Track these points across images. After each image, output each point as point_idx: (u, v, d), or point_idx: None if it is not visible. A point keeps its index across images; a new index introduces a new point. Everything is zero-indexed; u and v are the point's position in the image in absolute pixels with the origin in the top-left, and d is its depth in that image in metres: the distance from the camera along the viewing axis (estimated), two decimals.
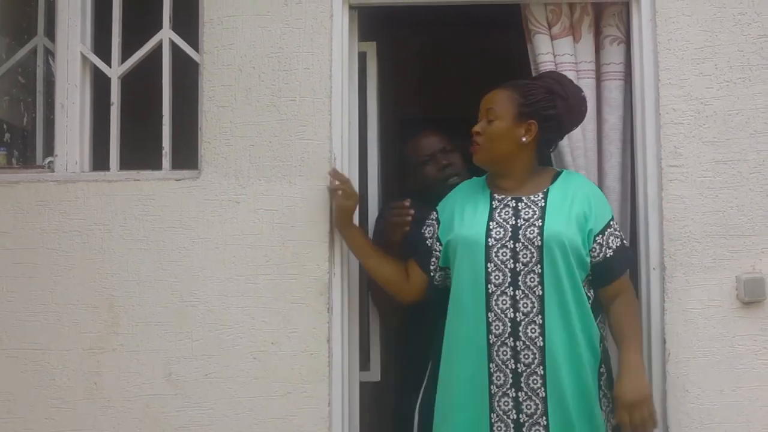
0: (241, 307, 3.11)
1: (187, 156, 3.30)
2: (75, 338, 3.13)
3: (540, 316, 2.77)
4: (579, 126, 3.11)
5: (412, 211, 3.14)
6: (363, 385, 3.34)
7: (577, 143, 3.23)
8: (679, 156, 3.08)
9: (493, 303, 2.81)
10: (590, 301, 2.83)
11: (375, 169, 3.44)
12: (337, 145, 3.15)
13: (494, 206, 2.92)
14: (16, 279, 3.15)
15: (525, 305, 2.79)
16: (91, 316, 3.13)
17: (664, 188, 3.08)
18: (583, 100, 3.00)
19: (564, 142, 3.18)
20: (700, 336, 3.05)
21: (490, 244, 2.84)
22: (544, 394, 2.75)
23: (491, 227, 2.87)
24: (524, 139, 2.89)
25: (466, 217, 2.95)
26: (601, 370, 2.82)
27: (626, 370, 2.77)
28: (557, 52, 3.28)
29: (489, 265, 2.83)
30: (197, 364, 3.11)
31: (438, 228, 3.03)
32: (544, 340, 2.76)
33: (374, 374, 3.39)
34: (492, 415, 2.80)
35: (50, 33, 3.36)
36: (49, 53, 3.42)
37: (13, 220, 3.16)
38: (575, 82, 3.21)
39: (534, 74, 3.32)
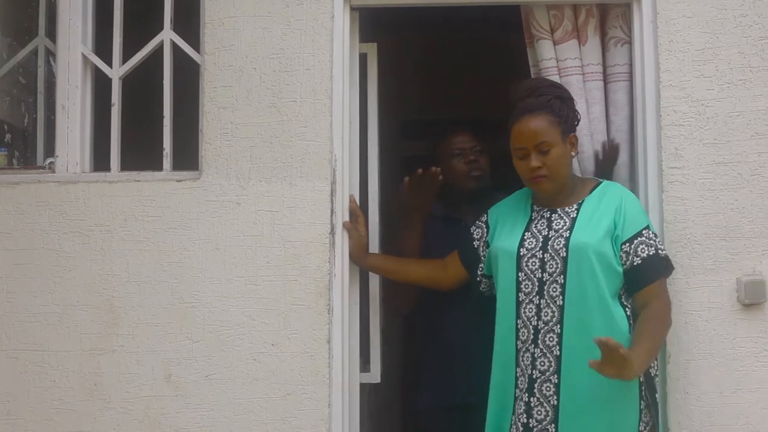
0: (242, 309, 3.11)
1: (187, 157, 3.30)
2: (75, 339, 3.13)
3: (558, 326, 2.81)
4: (587, 130, 3.19)
5: (441, 177, 3.33)
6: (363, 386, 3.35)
7: (582, 147, 3.20)
8: (679, 158, 3.08)
9: (522, 311, 2.89)
10: (627, 312, 2.83)
11: (375, 171, 3.43)
12: (338, 147, 3.15)
13: (533, 218, 3.00)
14: (16, 280, 3.15)
15: (546, 314, 2.84)
16: (92, 317, 3.13)
17: (665, 190, 3.08)
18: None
19: None
20: (701, 338, 3.05)
21: (521, 254, 2.92)
22: (556, 402, 2.79)
23: (525, 237, 2.94)
24: (573, 153, 2.96)
25: (506, 229, 3.04)
26: (641, 379, 2.78)
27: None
28: (559, 57, 3.27)
29: (520, 274, 2.91)
30: (197, 365, 3.11)
31: (487, 232, 3.12)
32: (560, 349, 2.80)
33: (374, 376, 3.39)
34: (512, 417, 2.88)
35: (51, 33, 3.36)
36: (50, 54, 3.42)
37: (14, 220, 3.16)
38: (582, 85, 3.28)
39: None
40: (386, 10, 3.34)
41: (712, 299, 3.06)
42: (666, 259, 2.90)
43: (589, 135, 3.23)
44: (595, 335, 2.61)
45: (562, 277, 2.82)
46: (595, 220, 2.85)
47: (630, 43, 3.26)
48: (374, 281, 3.40)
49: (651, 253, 2.82)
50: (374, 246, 3.39)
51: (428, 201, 3.43)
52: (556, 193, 2.97)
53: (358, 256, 3.24)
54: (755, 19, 3.11)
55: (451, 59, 5.64)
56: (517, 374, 2.89)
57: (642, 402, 2.79)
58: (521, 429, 2.83)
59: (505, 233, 3.03)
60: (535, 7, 3.30)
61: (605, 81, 3.30)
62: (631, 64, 3.26)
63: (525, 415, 2.83)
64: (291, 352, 3.09)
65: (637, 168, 3.18)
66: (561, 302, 2.81)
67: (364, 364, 3.35)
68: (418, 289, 3.47)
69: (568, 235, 2.85)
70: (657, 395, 2.84)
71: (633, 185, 3.22)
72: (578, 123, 3.01)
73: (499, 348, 2.97)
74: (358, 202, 3.25)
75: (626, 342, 2.72)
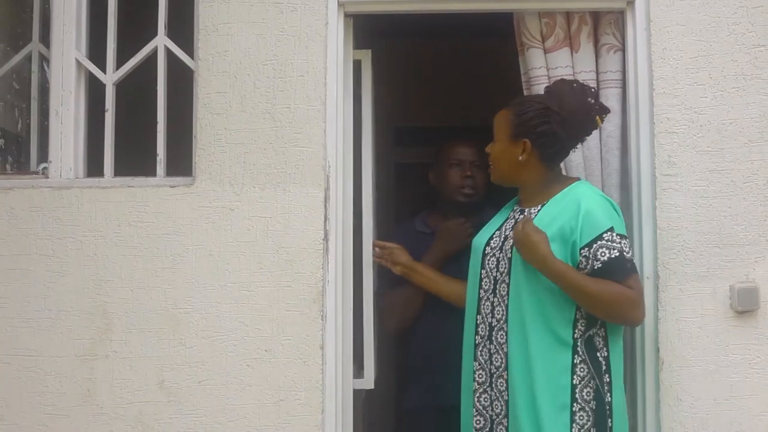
0: (235, 314, 3.11)
1: (181, 163, 3.30)
2: (68, 345, 3.13)
3: (506, 324, 2.83)
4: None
5: (471, 229, 3.43)
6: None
7: (573, 155, 3.18)
8: (673, 165, 3.09)
9: (481, 306, 2.95)
10: (576, 315, 2.76)
11: (369, 177, 3.43)
12: (332, 153, 3.16)
13: (509, 217, 3.02)
14: (9, 285, 3.15)
15: (497, 312, 2.88)
16: (85, 322, 3.13)
17: (658, 197, 3.08)
18: (581, 111, 2.89)
19: None
20: (694, 345, 3.05)
21: (486, 252, 2.98)
22: (507, 397, 2.82)
23: (494, 236, 2.99)
24: (520, 158, 2.92)
25: (486, 227, 3.09)
26: (574, 381, 2.74)
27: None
28: (550, 66, 3.27)
29: (482, 271, 2.97)
30: (190, 371, 3.10)
31: None
32: (508, 347, 2.82)
33: (368, 382, 3.39)
34: (473, 410, 2.93)
35: (45, 39, 3.36)
36: (44, 59, 3.42)
37: (7, 226, 3.16)
38: None
39: (524, 87, 3.35)
40: (381, 17, 3.34)
41: (706, 306, 3.06)
42: (631, 261, 2.79)
43: (581, 143, 3.21)
44: (528, 333, 2.75)
45: (508, 277, 2.84)
46: (547, 223, 2.81)
47: (623, 50, 3.27)
48: (368, 287, 3.40)
49: (613, 256, 2.73)
50: (368, 251, 3.41)
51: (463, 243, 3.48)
52: (512, 186, 3.05)
53: (405, 260, 3.43)
54: (748, 27, 3.12)
55: (446, 66, 5.65)
56: (475, 368, 2.92)
57: (574, 405, 2.73)
58: (487, 421, 2.89)
59: (483, 231, 3.09)
60: (527, 15, 3.30)
61: (597, 88, 3.27)
62: (623, 71, 3.27)
63: (490, 408, 2.89)
64: (284, 358, 3.09)
65: (630, 175, 3.18)
66: (507, 301, 2.83)
67: (358, 371, 3.35)
68: (414, 309, 3.52)
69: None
70: (596, 400, 2.75)
71: (624, 192, 3.22)
72: (555, 139, 2.89)
73: (464, 341, 3.03)
74: (351, 208, 3.26)
75: (553, 334, 2.76)
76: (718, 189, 3.08)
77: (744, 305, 3.04)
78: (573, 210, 2.79)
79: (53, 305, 3.14)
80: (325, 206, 3.13)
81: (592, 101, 2.92)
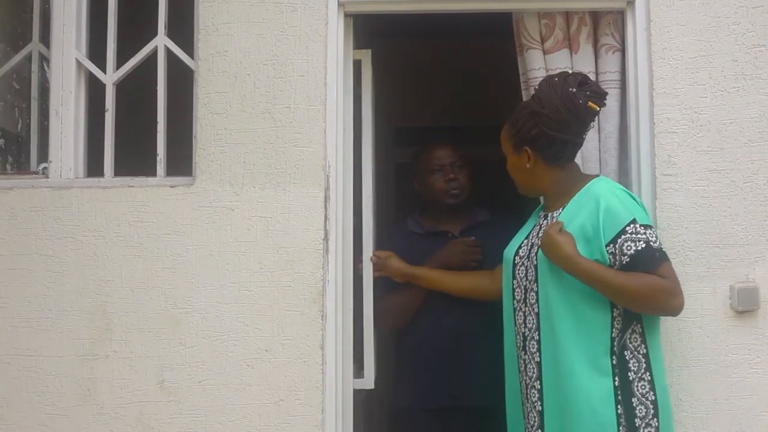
0: (235, 314, 3.11)
1: (181, 163, 3.30)
2: (68, 344, 3.13)
3: (537, 333, 2.80)
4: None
5: (480, 252, 3.55)
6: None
7: None
8: (673, 165, 3.09)
9: (516, 317, 2.92)
10: (613, 312, 2.72)
11: (369, 177, 3.43)
12: (332, 153, 3.15)
13: (536, 224, 2.99)
14: (9, 285, 3.15)
15: (529, 321, 2.84)
16: (85, 322, 3.13)
17: (658, 197, 3.08)
18: (565, 104, 2.80)
19: None
20: (694, 345, 3.05)
21: (515, 262, 2.95)
22: (540, 407, 2.78)
23: (522, 245, 2.96)
24: (528, 165, 2.91)
25: (515, 236, 3.07)
26: (616, 383, 2.69)
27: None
28: (549, 67, 3.26)
29: (514, 282, 2.95)
30: (191, 371, 3.10)
31: None
32: (540, 356, 2.78)
33: (368, 382, 3.39)
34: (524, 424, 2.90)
35: (45, 39, 3.35)
36: (44, 59, 3.42)
37: (7, 226, 3.16)
38: None
39: (523, 88, 3.36)
40: (381, 17, 3.33)
41: (706, 306, 3.06)
42: (660, 250, 2.71)
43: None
44: (564, 342, 2.70)
45: (535, 284, 2.81)
46: (568, 224, 2.77)
47: (621, 50, 3.27)
48: (368, 287, 3.40)
49: (640, 248, 2.66)
50: (368, 251, 3.41)
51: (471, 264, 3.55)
52: (538, 196, 3.05)
53: (403, 267, 3.48)
54: (748, 26, 3.12)
55: (446, 66, 5.65)
56: (520, 380, 2.91)
57: (619, 407, 2.68)
58: None
59: (512, 241, 3.06)
60: (526, 16, 3.30)
61: None
62: (622, 72, 3.27)
63: (524, 420, 2.88)
64: (284, 358, 3.09)
65: (630, 175, 3.18)
66: (537, 309, 2.80)
67: (358, 370, 3.35)
68: (414, 309, 3.54)
69: (539, 242, 2.83)
70: (634, 399, 2.69)
71: None
72: (550, 138, 2.84)
73: (506, 354, 3.02)
74: (351, 208, 3.26)
75: (593, 340, 2.71)
76: (718, 189, 3.08)
77: (744, 305, 3.04)
78: (592, 208, 2.74)
79: (53, 305, 3.14)
80: (325, 206, 3.13)
81: (574, 90, 2.80)
